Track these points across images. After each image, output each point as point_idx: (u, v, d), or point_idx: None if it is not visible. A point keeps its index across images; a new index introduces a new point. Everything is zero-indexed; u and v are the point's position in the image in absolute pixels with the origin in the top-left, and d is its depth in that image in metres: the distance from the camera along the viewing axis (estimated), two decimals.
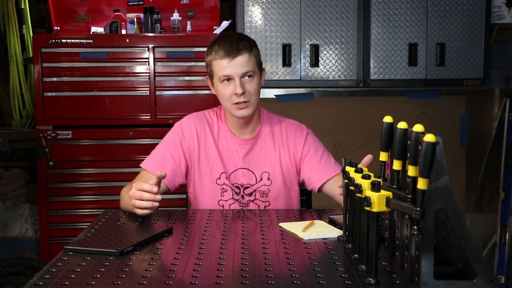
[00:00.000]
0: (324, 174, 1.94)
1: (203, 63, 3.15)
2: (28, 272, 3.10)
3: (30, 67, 3.51)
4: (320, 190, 1.97)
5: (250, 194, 1.97)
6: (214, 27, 3.41)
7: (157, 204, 1.65)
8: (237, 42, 1.86)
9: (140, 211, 1.67)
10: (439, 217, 1.07)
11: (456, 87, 3.39)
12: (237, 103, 1.86)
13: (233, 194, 1.96)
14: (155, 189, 1.64)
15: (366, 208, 1.09)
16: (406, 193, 1.07)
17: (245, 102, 1.86)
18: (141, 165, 1.97)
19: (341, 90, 3.41)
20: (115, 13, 3.41)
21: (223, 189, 1.96)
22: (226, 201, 1.96)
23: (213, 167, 1.96)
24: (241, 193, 1.97)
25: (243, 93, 1.85)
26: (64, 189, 3.15)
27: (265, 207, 1.97)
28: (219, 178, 1.96)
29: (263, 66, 1.99)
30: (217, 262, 1.24)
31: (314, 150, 1.99)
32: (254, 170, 1.97)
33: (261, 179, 1.97)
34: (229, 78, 1.86)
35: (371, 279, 1.10)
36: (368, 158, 1.58)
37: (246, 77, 1.87)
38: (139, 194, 1.64)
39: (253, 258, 1.29)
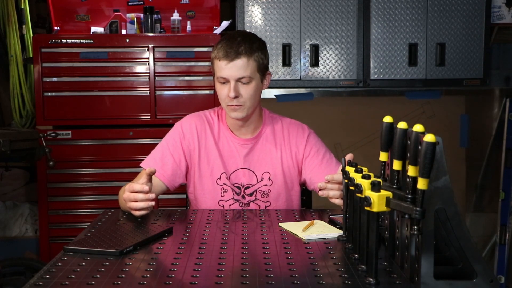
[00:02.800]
0: (325, 175, 1.93)
1: (203, 63, 3.19)
2: (28, 272, 3.10)
3: (30, 67, 3.51)
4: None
5: (250, 194, 1.97)
6: (214, 27, 3.41)
7: (152, 203, 1.65)
8: (239, 45, 1.83)
9: (137, 213, 1.67)
10: (439, 217, 1.07)
11: (456, 87, 3.39)
12: (230, 105, 1.87)
13: (233, 194, 1.96)
14: (146, 188, 1.64)
15: (366, 208, 1.09)
16: (406, 193, 1.07)
17: (238, 105, 1.86)
18: (141, 164, 1.97)
19: (341, 90, 3.41)
20: (115, 13, 3.41)
21: (223, 189, 1.96)
22: (226, 201, 1.96)
23: (214, 167, 1.96)
24: (242, 193, 1.97)
25: (236, 97, 1.84)
26: (64, 189, 3.15)
27: (265, 207, 1.97)
28: (219, 178, 1.96)
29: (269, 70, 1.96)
30: (217, 262, 1.24)
31: (315, 150, 1.99)
32: (255, 170, 1.97)
33: (262, 179, 1.97)
34: (225, 81, 1.86)
35: (371, 279, 1.10)
36: (349, 156, 1.60)
37: (242, 82, 1.86)
38: (133, 196, 1.65)
39: (253, 258, 1.29)
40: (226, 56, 1.83)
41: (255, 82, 1.88)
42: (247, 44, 1.85)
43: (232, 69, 1.83)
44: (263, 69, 1.91)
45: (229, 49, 1.83)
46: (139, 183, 1.65)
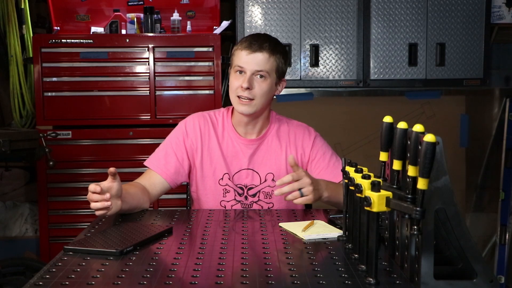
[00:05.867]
0: (332, 178, 1.92)
1: (203, 63, 3.19)
2: (28, 272, 3.10)
3: (30, 67, 3.51)
4: None
5: (253, 195, 1.96)
6: (214, 27, 3.41)
7: (108, 203, 1.58)
8: (264, 41, 1.87)
9: (96, 213, 1.62)
10: (439, 217, 1.07)
11: (456, 87, 3.39)
12: (239, 97, 1.87)
13: (235, 195, 1.96)
14: (98, 188, 1.57)
15: (366, 208, 1.09)
16: (406, 193, 1.07)
17: (248, 98, 1.86)
18: (145, 163, 1.96)
19: (341, 90, 3.41)
20: (115, 13, 3.41)
21: (226, 189, 1.96)
22: (228, 201, 1.96)
23: (216, 167, 1.96)
24: (245, 193, 1.96)
25: (248, 88, 1.84)
26: (64, 189, 3.15)
27: (268, 208, 1.96)
28: (222, 178, 1.96)
29: (284, 78, 1.97)
30: (217, 262, 1.24)
31: (322, 153, 1.98)
32: (258, 170, 1.97)
33: (265, 180, 1.96)
34: (242, 71, 1.86)
35: (371, 279, 1.10)
36: (290, 158, 1.73)
37: (258, 76, 1.86)
38: (89, 197, 1.60)
39: (253, 258, 1.29)
40: (249, 47, 1.85)
41: (270, 81, 1.88)
42: (272, 43, 1.89)
43: (252, 60, 1.85)
44: (280, 73, 1.92)
45: (254, 42, 1.86)
46: (96, 184, 1.58)
